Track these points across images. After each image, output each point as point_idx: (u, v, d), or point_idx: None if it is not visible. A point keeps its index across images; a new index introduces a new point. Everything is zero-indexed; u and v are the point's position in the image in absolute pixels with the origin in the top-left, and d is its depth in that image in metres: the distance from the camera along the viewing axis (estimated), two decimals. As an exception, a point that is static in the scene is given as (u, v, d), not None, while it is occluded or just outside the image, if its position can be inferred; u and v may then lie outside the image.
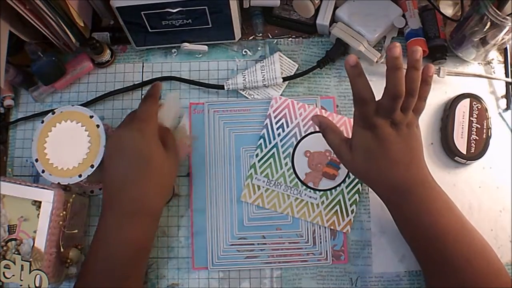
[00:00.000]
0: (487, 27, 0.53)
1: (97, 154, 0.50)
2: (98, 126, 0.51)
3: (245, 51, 0.62)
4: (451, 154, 0.57)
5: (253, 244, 0.55)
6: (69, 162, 0.50)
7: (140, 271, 0.49)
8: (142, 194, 0.47)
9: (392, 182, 0.46)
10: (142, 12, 0.54)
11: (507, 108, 0.59)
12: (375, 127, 0.45)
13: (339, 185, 0.56)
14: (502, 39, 0.54)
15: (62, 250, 0.50)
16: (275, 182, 0.56)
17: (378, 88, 0.60)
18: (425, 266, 0.48)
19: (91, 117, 0.52)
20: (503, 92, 0.60)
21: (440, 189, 0.47)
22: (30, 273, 0.46)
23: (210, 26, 0.57)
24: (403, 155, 0.46)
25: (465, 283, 0.43)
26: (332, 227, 0.55)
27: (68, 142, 0.51)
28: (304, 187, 0.56)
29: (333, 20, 0.60)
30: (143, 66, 0.62)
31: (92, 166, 0.50)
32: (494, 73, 0.61)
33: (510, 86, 0.59)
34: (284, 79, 0.59)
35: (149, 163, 0.47)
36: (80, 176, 0.50)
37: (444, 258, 0.44)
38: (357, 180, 0.56)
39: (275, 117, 0.58)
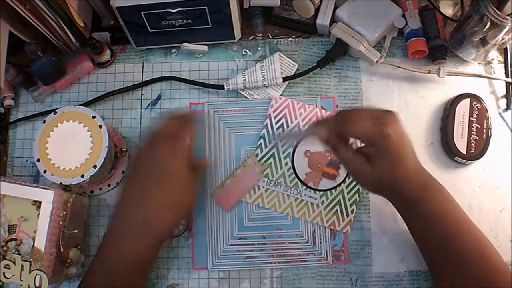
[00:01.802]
0: (487, 27, 0.53)
1: (99, 155, 0.50)
2: (100, 126, 0.51)
3: (245, 51, 0.62)
4: (451, 154, 0.57)
5: (253, 244, 0.55)
6: (71, 162, 0.50)
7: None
8: (150, 213, 0.45)
9: (408, 181, 0.45)
10: (142, 12, 0.54)
11: (507, 108, 0.59)
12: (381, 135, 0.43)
13: (339, 185, 0.56)
14: (502, 39, 0.54)
15: (62, 250, 0.50)
16: (275, 182, 0.56)
17: (378, 88, 0.60)
18: (434, 265, 0.48)
19: (94, 117, 0.52)
20: (503, 92, 0.60)
21: (446, 189, 0.47)
22: (30, 273, 0.46)
23: (210, 26, 0.57)
24: (414, 155, 0.46)
25: (475, 281, 0.44)
26: (332, 227, 0.55)
27: (70, 142, 0.51)
28: (304, 187, 0.56)
29: (333, 20, 0.60)
30: (143, 66, 0.62)
31: (94, 167, 0.50)
32: (494, 73, 0.61)
33: (510, 86, 0.59)
34: (284, 79, 0.59)
35: (168, 182, 0.46)
36: (82, 176, 0.50)
37: (455, 257, 0.45)
38: (360, 185, 0.56)
39: (275, 117, 0.58)
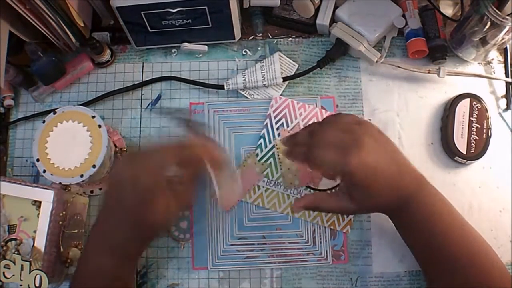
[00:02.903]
0: (487, 27, 0.53)
1: (98, 154, 0.50)
2: (100, 126, 0.51)
3: (245, 51, 0.62)
4: (451, 154, 0.57)
5: (253, 244, 0.55)
6: (70, 162, 0.50)
7: None
8: (118, 233, 0.44)
9: (390, 198, 0.45)
10: (142, 12, 0.54)
11: (507, 108, 0.59)
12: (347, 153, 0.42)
13: (339, 184, 0.56)
14: (502, 39, 0.54)
15: (62, 250, 0.50)
16: (275, 182, 0.56)
17: (378, 88, 0.60)
18: (428, 268, 0.48)
19: (93, 117, 0.52)
20: (503, 92, 0.60)
21: (437, 190, 0.47)
22: (30, 273, 0.46)
23: (210, 26, 0.57)
24: (390, 165, 0.44)
25: (469, 282, 0.43)
26: (332, 227, 0.55)
27: (69, 142, 0.51)
28: (304, 187, 0.56)
29: (333, 20, 0.60)
30: (143, 66, 0.62)
31: (94, 166, 0.50)
32: (494, 73, 0.61)
33: (510, 86, 0.59)
34: (284, 79, 0.59)
35: (134, 204, 0.43)
36: (82, 176, 0.50)
37: (447, 259, 0.44)
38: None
39: (275, 117, 0.58)
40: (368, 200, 0.45)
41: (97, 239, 0.45)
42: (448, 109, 0.58)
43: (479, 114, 0.57)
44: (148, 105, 0.61)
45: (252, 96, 0.60)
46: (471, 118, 0.57)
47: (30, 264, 0.46)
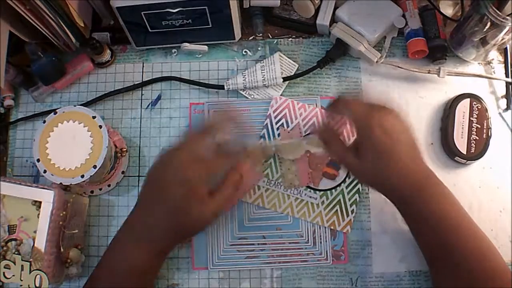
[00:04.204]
0: (487, 27, 0.53)
1: (99, 155, 0.50)
2: (100, 126, 0.51)
3: (245, 51, 0.62)
4: (451, 154, 0.57)
5: (253, 244, 0.55)
6: (71, 162, 0.50)
7: None
8: (156, 225, 0.44)
9: (403, 179, 0.45)
10: (142, 12, 0.54)
11: (507, 108, 0.59)
12: (371, 126, 0.44)
13: (339, 185, 0.56)
14: (502, 39, 0.54)
15: (62, 250, 0.50)
16: (275, 182, 0.56)
17: (378, 88, 0.60)
18: (435, 264, 0.48)
19: (94, 117, 0.52)
20: (503, 92, 0.60)
21: (448, 189, 0.47)
22: (30, 273, 0.46)
23: (210, 26, 0.57)
24: (410, 154, 0.45)
25: (476, 281, 0.43)
26: (332, 227, 0.55)
27: (70, 143, 0.51)
28: (304, 187, 0.56)
29: (333, 20, 0.60)
30: (143, 66, 0.62)
31: (94, 167, 0.50)
32: (494, 73, 0.61)
33: (510, 86, 0.59)
34: (284, 79, 0.59)
35: (173, 204, 0.44)
36: (82, 176, 0.50)
37: (455, 255, 0.44)
38: (357, 180, 0.56)
39: (275, 117, 0.58)
40: (379, 165, 0.45)
41: (133, 231, 0.45)
42: (448, 109, 0.58)
43: (479, 114, 0.57)
44: (148, 105, 0.61)
45: (252, 96, 0.60)
46: (471, 118, 0.57)
47: (30, 264, 0.46)
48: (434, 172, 0.47)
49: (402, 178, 0.45)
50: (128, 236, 0.46)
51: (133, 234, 0.45)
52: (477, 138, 0.56)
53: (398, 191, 0.46)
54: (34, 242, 0.49)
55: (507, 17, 0.50)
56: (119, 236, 0.46)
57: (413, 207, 0.46)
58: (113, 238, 0.46)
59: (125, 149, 0.58)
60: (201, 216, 0.44)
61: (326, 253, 0.55)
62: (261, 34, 0.63)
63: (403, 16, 0.59)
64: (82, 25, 0.57)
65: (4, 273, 0.46)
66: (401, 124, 0.46)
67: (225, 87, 0.59)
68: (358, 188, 0.56)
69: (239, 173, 0.48)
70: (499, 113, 0.59)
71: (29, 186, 0.50)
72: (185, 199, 0.43)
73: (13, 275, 0.46)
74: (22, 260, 0.46)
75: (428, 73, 0.58)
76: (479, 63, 0.61)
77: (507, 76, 0.60)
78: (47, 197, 0.49)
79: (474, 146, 0.56)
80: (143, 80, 0.61)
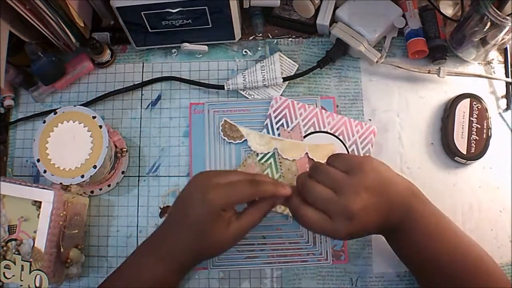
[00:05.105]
0: (487, 27, 0.53)
1: (99, 155, 0.50)
2: (100, 126, 0.51)
3: (245, 51, 0.62)
4: (451, 154, 0.57)
5: (253, 244, 0.55)
6: (71, 162, 0.50)
7: None
8: (178, 243, 0.45)
9: (385, 225, 0.44)
10: (142, 12, 0.54)
11: (507, 108, 0.59)
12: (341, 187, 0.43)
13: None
14: (502, 39, 0.54)
15: (62, 250, 0.50)
16: (275, 182, 0.56)
17: (378, 88, 0.60)
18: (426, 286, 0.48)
19: (94, 117, 0.52)
20: (503, 92, 0.60)
21: (431, 205, 0.46)
22: (30, 273, 0.46)
23: (210, 26, 0.57)
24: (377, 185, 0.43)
25: None
26: (332, 227, 0.55)
27: (70, 143, 0.51)
28: (304, 187, 0.56)
29: (333, 20, 0.60)
30: (143, 66, 0.62)
31: (94, 167, 0.50)
32: (494, 73, 0.61)
33: (510, 86, 0.59)
34: (284, 79, 0.59)
35: (197, 227, 0.44)
36: (82, 176, 0.50)
37: (446, 277, 0.44)
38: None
39: (275, 117, 0.58)
40: (352, 225, 0.43)
41: (155, 246, 0.46)
42: (448, 109, 0.58)
43: (479, 114, 0.57)
44: (148, 105, 0.61)
45: (252, 96, 0.60)
46: (471, 118, 0.57)
47: (30, 265, 0.46)
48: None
49: (378, 224, 0.44)
50: (152, 251, 0.46)
51: (157, 250, 0.46)
52: (477, 138, 0.56)
53: (378, 231, 0.46)
54: (34, 242, 0.49)
55: (507, 17, 0.50)
56: (142, 249, 0.47)
57: (395, 238, 0.46)
58: (135, 250, 0.47)
59: (125, 149, 0.58)
60: (223, 240, 0.45)
61: (326, 253, 0.55)
62: (261, 34, 0.63)
63: (403, 16, 0.59)
64: (82, 25, 0.57)
65: (4, 273, 0.46)
66: (369, 196, 0.43)
67: (225, 87, 0.59)
68: (358, 188, 0.56)
69: (271, 203, 0.47)
70: (499, 113, 0.59)
71: (29, 186, 0.50)
72: (209, 221, 0.43)
73: (13, 275, 0.46)
74: (22, 260, 0.46)
75: (428, 73, 0.58)
76: (479, 63, 0.61)
77: (507, 76, 0.60)
78: (47, 197, 0.49)
79: (474, 146, 0.56)
80: (143, 80, 0.61)
